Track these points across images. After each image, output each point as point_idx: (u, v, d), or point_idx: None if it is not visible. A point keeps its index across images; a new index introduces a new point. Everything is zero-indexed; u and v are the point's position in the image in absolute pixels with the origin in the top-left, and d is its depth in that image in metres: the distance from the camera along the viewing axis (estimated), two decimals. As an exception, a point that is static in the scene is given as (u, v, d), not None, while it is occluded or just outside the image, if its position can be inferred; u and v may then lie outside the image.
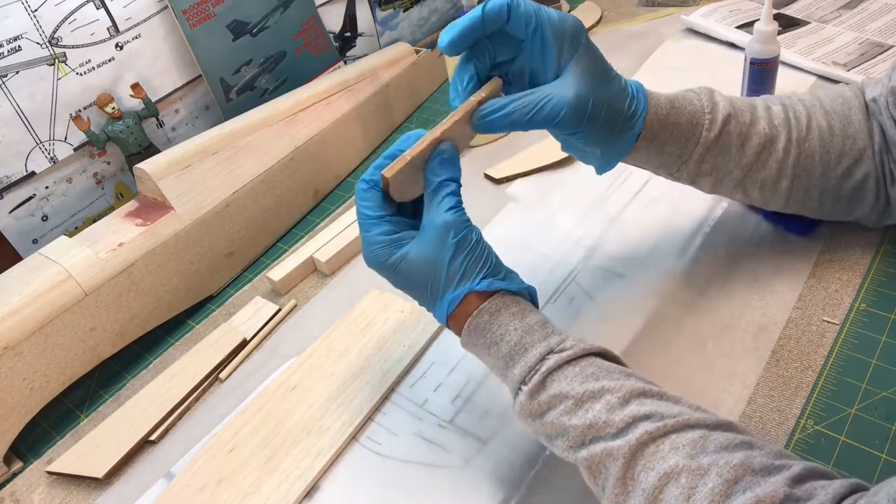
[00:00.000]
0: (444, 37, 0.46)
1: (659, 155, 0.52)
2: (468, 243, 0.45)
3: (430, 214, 0.45)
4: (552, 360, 0.42)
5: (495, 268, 0.46)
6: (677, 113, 0.51)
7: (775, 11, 0.92)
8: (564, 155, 0.77)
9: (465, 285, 0.45)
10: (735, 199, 0.58)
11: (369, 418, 0.56)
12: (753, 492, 0.34)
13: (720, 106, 0.52)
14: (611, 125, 0.48)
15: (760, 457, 0.35)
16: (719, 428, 0.38)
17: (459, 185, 0.46)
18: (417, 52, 0.94)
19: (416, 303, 0.48)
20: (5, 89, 0.68)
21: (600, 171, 0.53)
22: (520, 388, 0.43)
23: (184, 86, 0.82)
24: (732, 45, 0.89)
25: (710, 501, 0.34)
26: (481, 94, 0.47)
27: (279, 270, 0.71)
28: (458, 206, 0.45)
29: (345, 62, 0.97)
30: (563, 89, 0.46)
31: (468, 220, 0.45)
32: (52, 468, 0.57)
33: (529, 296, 0.47)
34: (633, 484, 0.37)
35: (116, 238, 0.65)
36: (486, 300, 0.45)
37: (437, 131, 0.46)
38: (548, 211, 0.72)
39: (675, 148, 0.52)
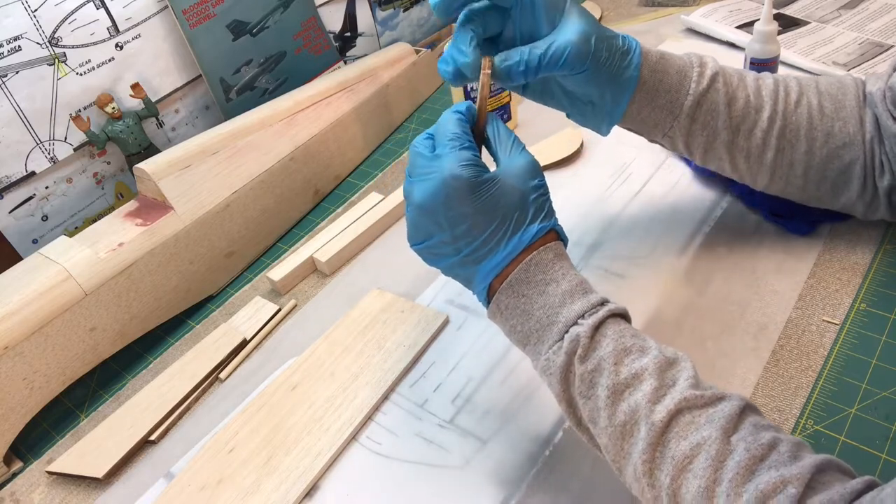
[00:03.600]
0: None
1: (651, 109, 0.54)
2: (547, 188, 0.47)
3: (513, 155, 0.47)
4: (612, 306, 0.43)
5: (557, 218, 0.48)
6: (666, 63, 0.53)
7: (775, 11, 0.92)
8: (565, 155, 0.77)
9: (550, 221, 0.46)
10: (725, 173, 0.59)
11: (369, 418, 0.56)
12: (778, 471, 0.34)
13: (709, 65, 0.54)
14: (611, 61, 0.51)
15: (786, 442, 0.36)
16: (749, 408, 0.39)
17: None
18: (417, 52, 0.94)
19: (479, 237, 0.45)
20: (5, 89, 0.68)
21: (607, 127, 0.55)
22: (577, 322, 0.43)
23: (184, 86, 0.82)
24: (732, 45, 0.89)
25: (736, 474, 0.35)
26: (486, 66, 0.48)
27: (279, 270, 0.71)
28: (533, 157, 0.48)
29: (345, 62, 0.97)
30: (564, 33, 0.49)
31: None
32: (52, 468, 0.57)
33: None
34: (664, 450, 0.38)
35: (116, 238, 0.65)
36: (551, 242, 0.46)
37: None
38: (548, 211, 0.72)
39: (666, 99, 0.53)
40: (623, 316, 0.44)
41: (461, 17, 0.49)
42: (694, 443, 0.37)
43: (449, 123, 0.47)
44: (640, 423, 0.39)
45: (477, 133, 0.49)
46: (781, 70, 0.74)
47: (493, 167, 0.47)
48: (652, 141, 0.57)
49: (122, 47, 0.75)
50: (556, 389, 0.44)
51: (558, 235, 0.47)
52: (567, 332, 0.43)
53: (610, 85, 0.52)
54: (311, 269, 0.73)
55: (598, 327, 0.42)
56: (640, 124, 0.55)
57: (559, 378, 0.43)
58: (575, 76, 0.50)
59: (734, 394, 0.39)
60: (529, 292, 0.45)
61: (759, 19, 0.71)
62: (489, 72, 0.48)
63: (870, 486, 0.34)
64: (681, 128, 0.55)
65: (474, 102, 0.49)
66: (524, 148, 0.48)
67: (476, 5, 0.49)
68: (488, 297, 0.47)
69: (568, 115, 0.56)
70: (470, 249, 0.45)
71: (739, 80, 0.55)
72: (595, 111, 0.54)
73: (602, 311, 0.43)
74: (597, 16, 1.04)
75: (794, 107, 0.55)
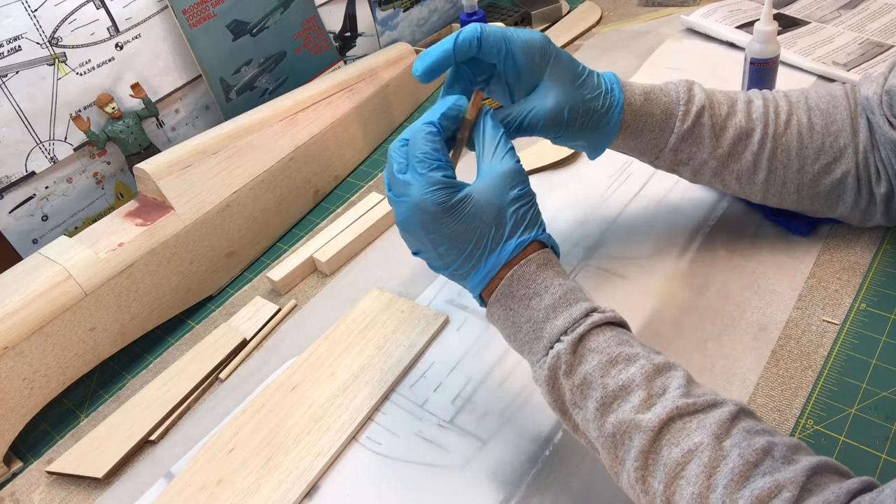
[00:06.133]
0: (418, 66, 0.50)
1: (636, 142, 0.56)
2: (531, 195, 0.46)
3: (492, 163, 0.46)
4: (596, 317, 0.43)
5: (545, 226, 0.47)
6: (651, 104, 0.54)
7: (775, 11, 0.92)
8: (564, 155, 0.77)
9: (531, 233, 0.45)
10: (716, 188, 0.60)
11: (369, 418, 0.56)
12: (773, 476, 0.34)
13: (696, 98, 0.55)
14: (588, 123, 0.52)
15: (781, 446, 0.36)
16: (743, 412, 0.39)
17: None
18: (417, 52, 0.94)
19: (456, 260, 0.46)
20: (5, 89, 0.68)
21: (591, 157, 0.57)
22: (559, 340, 0.42)
23: (184, 86, 0.82)
24: (732, 45, 0.89)
25: (730, 480, 0.35)
26: (474, 108, 0.49)
27: (279, 270, 0.71)
28: (520, 160, 0.47)
29: (345, 62, 0.97)
30: (540, 101, 0.51)
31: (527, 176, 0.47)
32: (52, 468, 0.57)
33: None
34: (656, 457, 0.38)
35: (116, 238, 0.65)
36: (533, 252, 0.45)
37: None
38: (548, 211, 0.72)
39: (650, 137, 0.55)
40: (610, 323, 0.43)
41: (448, 76, 0.52)
42: (685, 449, 0.37)
43: (419, 140, 0.46)
44: (631, 431, 0.39)
45: (462, 137, 0.49)
46: (781, 70, 0.74)
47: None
48: (641, 160, 0.59)
49: (122, 47, 0.75)
50: (547, 399, 0.44)
51: (543, 244, 0.46)
52: (552, 347, 0.43)
53: (588, 137, 0.54)
54: (311, 269, 0.73)
55: (580, 341, 0.42)
56: (627, 152, 0.58)
57: (547, 390, 0.43)
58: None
59: (728, 399, 0.39)
60: (515, 306, 0.45)
61: (759, 19, 0.70)
62: (473, 116, 0.49)
63: (867, 487, 0.34)
64: (665, 160, 0.57)
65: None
66: (509, 149, 0.47)
67: (463, 58, 0.50)
68: (485, 303, 0.47)
69: (553, 142, 0.57)
70: (455, 266, 0.46)
71: (730, 107, 0.55)
72: (579, 147, 0.56)
73: (583, 326, 0.42)
74: (596, 16, 1.04)
75: (783, 128, 0.55)
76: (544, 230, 0.47)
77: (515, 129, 0.51)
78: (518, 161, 0.46)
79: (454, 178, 0.45)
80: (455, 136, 0.49)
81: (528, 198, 0.46)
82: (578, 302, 0.44)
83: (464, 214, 0.44)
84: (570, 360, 0.42)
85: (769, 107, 0.56)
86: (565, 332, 0.42)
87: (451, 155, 0.48)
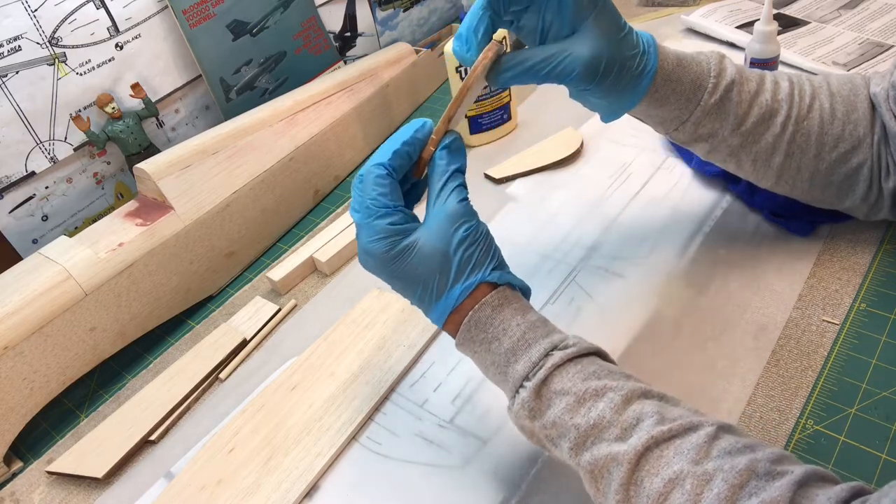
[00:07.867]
0: None
1: (659, 110, 0.53)
2: (479, 235, 0.45)
3: (439, 204, 0.45)
4: (556, 357, 0.42)
5: (501, 261, 0.46)
6: (682, 71, 0.52)
7: (775, 11, 0.92)
8: (564, 155, 0.77)
9: (477, 276, 0.44)
10: (729, 169, 0.58)
11: (369, 418, 0.56)
12: (759, 497, 0.33)
13: (727, 72, 0.53)
14: (620, 81, 0.50)
15: (764, 461, 0.35)
16: (721, 430, 0.38)
17: (464, 175, 0.46)
18: (417, 52, 0.94)
19: (412, 300, 0.46)
20: (5, 89, 0.68)
21: (606, 120, 0.54)
22: (522, 385, 0.42)
23: (184, 86, 0.82)
24: (732, 45, 0.89)
25: None
26: (489, 53, 0.46)
27: (279, 270, 0.71)
28: (467, 197, 0.45)
29: (345, 62, 0.97)
30: (578, 47, 0.48)
31: (476, 212, 0.45)
32: (52, 468, 0.57)
33: (524, 294, 0.47)
34: (637, 489, 0.37)
35: (116, 238, 0.65)
36: (487, 294, 0.44)
37: (455, 103, 0.46)
38: (548, 211, 0.72)
39: (676, 106, 0.53)
40: (575, 357, 0.42)
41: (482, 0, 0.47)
42: (666, 479, 0.36)
43: (368, 184, 0.44)
44: (609, 465, 0.38)
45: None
46: (781, 70, 0.74)
47: None
48: (657, 130, 0.57)
49: (122, 47, 0.75)
50: (523, 434, 0.44)
51: (495, 285, 0.45)
52: (517, 392, 0.43)
53: (613, 97, 0.51)
54: (311, 269, 0.73)
55: (544, 383, 0.41)
56: (645, 119, 0.55)
57: (519, 429, 0.44)
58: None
59: (705, 420, 0.38)
60: (478, 349, 0.45)
61: (759, 19, 0.71)
62: (489, 58, 0.46)
63: (857, 493, 0.33)
64: (684, 132, 0.55)
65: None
66: (457, 186, 0.45)
67: None
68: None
69: (571, 96, 0.55)
70: (413, 303, 0.47)
71: (758, 85, 0.54)
72: (595, 106, 0.54)
73: (543, 370, 0.41)
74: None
75: (806, 111, 0.54)
76: (495, 267, 0.45)
77: (546, 73, 0.48)
78: (463, 199, 0.45)
79: (404, 221, 0.44)
80: (411, 169, 0.47)
81: (475, 236, 0.44)
82: (538, 342, 0.43)
83: (407, 263, 0.44)
84: (535, 405, 0.41)
85: (794, 89, 0.54)
86: (527, 378, 0.42)
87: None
